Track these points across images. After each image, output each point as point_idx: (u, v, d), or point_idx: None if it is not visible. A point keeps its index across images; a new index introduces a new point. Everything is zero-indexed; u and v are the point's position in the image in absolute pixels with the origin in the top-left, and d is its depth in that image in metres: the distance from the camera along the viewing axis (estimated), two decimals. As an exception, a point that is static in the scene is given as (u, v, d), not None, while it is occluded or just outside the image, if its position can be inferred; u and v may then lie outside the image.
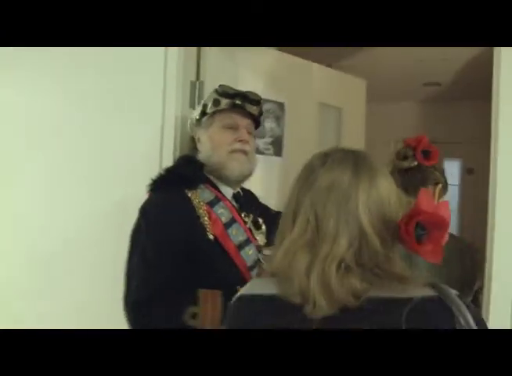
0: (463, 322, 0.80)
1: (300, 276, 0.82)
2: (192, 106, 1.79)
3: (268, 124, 2.05)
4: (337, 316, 0.79)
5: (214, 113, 1.45)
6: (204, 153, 1.47)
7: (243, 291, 0.93)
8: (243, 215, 1.48)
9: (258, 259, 1.43)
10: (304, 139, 2.13)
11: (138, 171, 1.63)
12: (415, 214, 0.83)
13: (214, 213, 1.38)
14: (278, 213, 1.87)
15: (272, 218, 1.66)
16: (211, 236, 1.34)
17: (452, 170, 4.44)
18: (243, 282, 1.39)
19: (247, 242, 1.41)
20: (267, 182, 1.98)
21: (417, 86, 3.50)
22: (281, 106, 2.09)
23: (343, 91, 2.42)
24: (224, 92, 1.45)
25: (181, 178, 1.40)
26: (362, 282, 0.81)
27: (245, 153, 1.44)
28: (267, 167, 2.00)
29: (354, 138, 2.48)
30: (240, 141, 1.44)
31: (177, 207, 1.36)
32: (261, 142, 2.02)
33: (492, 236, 1.50)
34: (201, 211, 1.36)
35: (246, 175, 1.48)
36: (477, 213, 2.45)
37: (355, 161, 0.87)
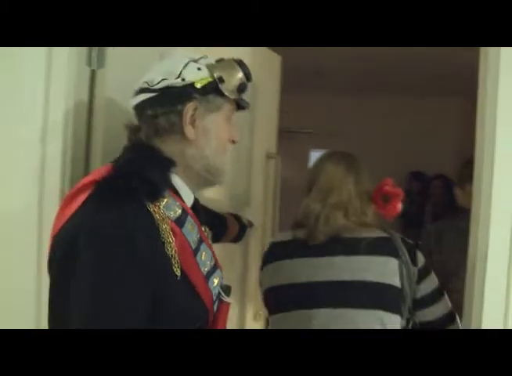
0: (403, 256, 1.40)
1: (313, 217, 1.44)
2: (89, 64, 1.35)
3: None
4: (325, 244, 1.42)
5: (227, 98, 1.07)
6: (203, 147, 1.06)
7: (272, 239, 1.62)
8: (203, 229, 1.12)
9: (219, 292, 1.09)
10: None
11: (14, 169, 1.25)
12: (381, 187, 1.50)
13: (183, 235, 0.99)
14: (205, 209, 1.53)
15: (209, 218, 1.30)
16: (178, 272, 0.96)
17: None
18: (206, 319, 1.03)
19: (214, 268, 1.08)
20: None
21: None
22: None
23: (258, 66, 2.19)
24: (250, 77, 1.12)
25: (142, 185, 0.94)
26: (347, 224, 1.44)
27: None
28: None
29: (267, 116, 2.31)
30: (233, 143, 1.14)
31: (135, 231, 0.91)
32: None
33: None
34: (166, 234, 0.95)
35: None
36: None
37: (348, 159, 1.53)
